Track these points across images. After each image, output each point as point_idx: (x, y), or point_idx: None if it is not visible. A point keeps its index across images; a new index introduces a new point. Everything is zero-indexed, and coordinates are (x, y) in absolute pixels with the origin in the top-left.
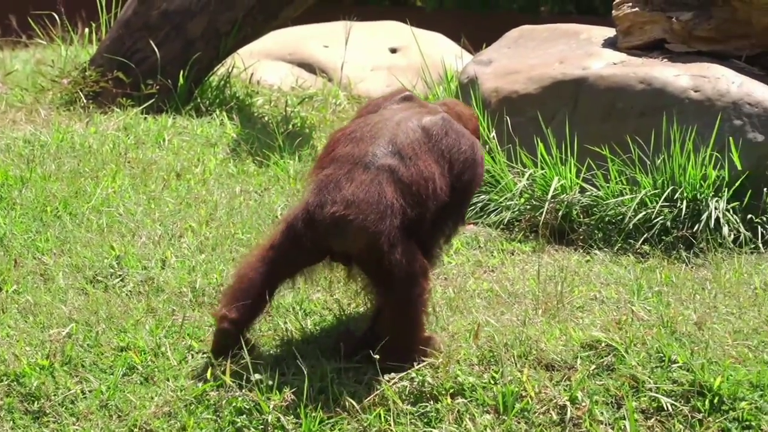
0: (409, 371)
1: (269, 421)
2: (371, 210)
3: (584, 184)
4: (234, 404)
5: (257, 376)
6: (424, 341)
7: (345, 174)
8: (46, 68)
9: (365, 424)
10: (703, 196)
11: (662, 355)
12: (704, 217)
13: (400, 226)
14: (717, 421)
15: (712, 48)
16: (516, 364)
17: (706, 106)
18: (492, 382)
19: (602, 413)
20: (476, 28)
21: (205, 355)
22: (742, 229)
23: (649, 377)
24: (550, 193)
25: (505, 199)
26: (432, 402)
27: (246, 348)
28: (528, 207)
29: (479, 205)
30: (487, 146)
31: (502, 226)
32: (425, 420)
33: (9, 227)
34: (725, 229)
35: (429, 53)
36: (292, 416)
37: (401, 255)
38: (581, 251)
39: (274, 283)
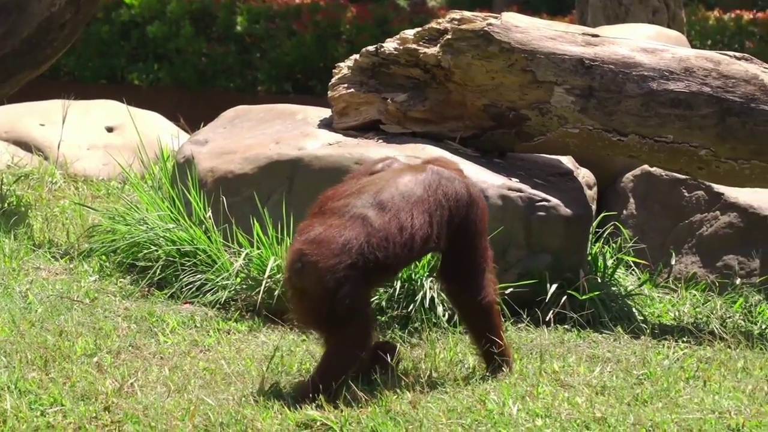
0: None
1: None
2: (327, 248)
3: None
4: None
5: None
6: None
7: (321, 221)
8: None
9: None
10: (417, 276)
11: None
12: (419, 297)
13: (353, 266)
14: None
15: (427, 129)
16: None
17: None
18: None
19: None
20: (193, 106)
21: None
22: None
23: None
24: (267, 273)
25: (222, 278)
26: None
27: None
28: (244, 287)
29: (196, 284)
30: (203, 226)
31: (218, 306)
32: None
33: None
34: (440, 309)
35: (146, 132)
36: None
37: (345, 295)
38: (297, 330)
39: None
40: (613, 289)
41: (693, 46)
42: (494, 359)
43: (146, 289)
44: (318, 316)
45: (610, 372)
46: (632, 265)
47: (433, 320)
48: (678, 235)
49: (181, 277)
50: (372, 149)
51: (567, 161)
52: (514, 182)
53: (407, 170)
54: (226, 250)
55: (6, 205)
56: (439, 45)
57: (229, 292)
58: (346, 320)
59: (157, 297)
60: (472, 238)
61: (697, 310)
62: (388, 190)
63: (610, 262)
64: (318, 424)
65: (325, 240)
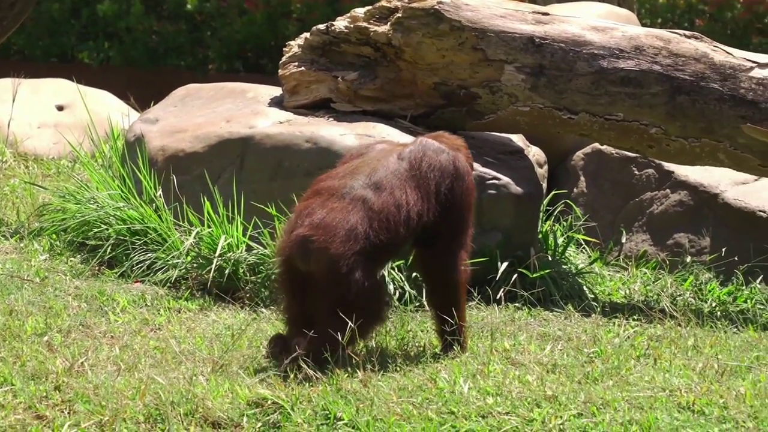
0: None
1: None
2: (334, 233)
3: (251, 243)
4: None
5: None
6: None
7: (320, 203)
8: None
9: None
10: None
11: (328, 412)
12: None
13: (361, 251)
14: None
15: (377, 107)
16: (183, 422)
17: None
18: None
19: None
20: (144, 85)
21: None
22: (407, 287)
23: None
24: (217, 252)
25: (172, 257)
26: None
27: None
28: (195, 265)
29: (146, 263)
30: (154, 204)
31: (168, 285)
32: None
33: None
34: (391, 287)
35: (96, 111)
36: None
37: (357, 279)
38: (248, 309)
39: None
40: (564, 267)
41: (643, 25)
42: (450, 338)
43: (97, 267)
44: (326, 297)
45: (560, 350)
46: (583, 243)
47: None
48: (628, 213)
49: (131, 255)
50: (323, 127)
51: (518, 139)
52: None
53: (396, 147)
54: (176, 229)
55: None
56: (389, 23)
57: (180, 270)
58: (355, 300)
59: (107, 276)
60: (455, 212)
61: (648, 288)
62: (381, 170)
63: (560, 240)
64: (269, 402)
65: (330, 225)
